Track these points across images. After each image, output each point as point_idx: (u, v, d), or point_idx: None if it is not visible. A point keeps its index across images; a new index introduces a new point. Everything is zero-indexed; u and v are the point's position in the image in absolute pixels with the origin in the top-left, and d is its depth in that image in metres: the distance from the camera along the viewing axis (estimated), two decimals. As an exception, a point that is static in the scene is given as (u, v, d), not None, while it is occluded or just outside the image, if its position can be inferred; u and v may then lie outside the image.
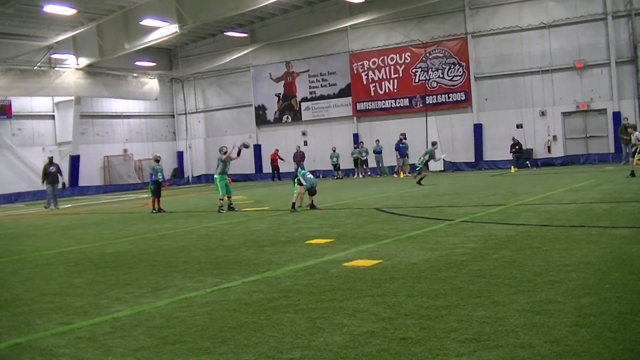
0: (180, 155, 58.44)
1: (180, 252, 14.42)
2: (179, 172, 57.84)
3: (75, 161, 48.57)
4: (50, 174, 35.19)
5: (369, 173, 45.86)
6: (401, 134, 44.29)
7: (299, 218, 19.97)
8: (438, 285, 9.10)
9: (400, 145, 43.56)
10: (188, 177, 57.87)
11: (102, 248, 16.26)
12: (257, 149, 53.77)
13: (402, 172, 43.19)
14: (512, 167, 40.14)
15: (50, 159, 37.07)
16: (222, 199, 24.92)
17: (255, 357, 6.44)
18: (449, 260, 10.89)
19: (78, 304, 9.58)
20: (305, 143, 50.82)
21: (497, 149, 43.00)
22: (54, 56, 46.97)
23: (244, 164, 53.80)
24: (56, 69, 46.64)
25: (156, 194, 26.36)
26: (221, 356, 6.55)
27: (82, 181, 49.24)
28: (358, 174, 46.58)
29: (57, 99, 49.00)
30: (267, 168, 52.61)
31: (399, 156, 43.71)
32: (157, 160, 27.21)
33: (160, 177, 26.82)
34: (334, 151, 47.13)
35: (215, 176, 25.61)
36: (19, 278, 12.50)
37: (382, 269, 10.52)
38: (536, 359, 5.89)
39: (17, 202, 43.87)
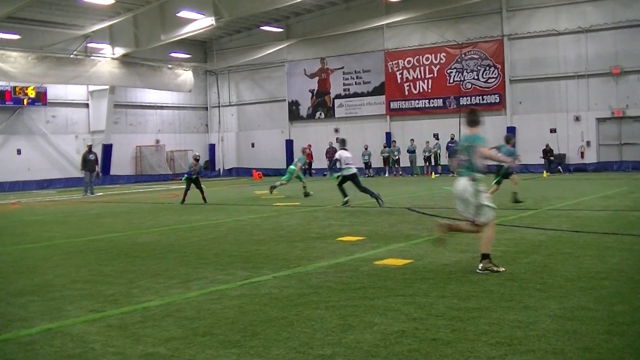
0: (212, 147, 58.57)
1: (210, 244, 14.46)
2: (209, 165, 57.95)
3: (107, 150, 48.80)
4: (89, 162, 35.51)
5: (400, 172, 45.76)
6: (452, 134, 44.05)
7: (330, 215, 19.97)
8: (469, 287, 9.08)
9: (450, 145, 43.39)
10: (219, 169, 58.02)
11: (132, 237, 16.35)
12: (289, 144, 53.80)
13: (433, 173, 43.11)
14: (544, 171, 39.91)
15: (90, 147, 37.44)
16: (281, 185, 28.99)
17: (285, 352, 6.46)
18: (480, 263, 10.85)
19: (109, 292, 9.65)
20: (338, 140, 50.70)
21: (529, 153, 42.62)
22: (89, 45, 47.21)
23: (276, 159, 53.95)
24: (91, 58, 46.85)
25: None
26: (251, 350, 6.58)
27: (114, 170, 49.48)
28: (387, 173, 46.49)
29: (91, 88, 49.24)
30: (298, 164, 52.57)
31: (448, 156, 43.50)
32: (197, 160, 27.29)
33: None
34: (366, 149, 47.05)
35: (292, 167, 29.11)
36: (49, 264, 12.60)
37: (413, 269, 10.51)
38: (568, 366, 5.88)
39: (48, 189, 44.16)
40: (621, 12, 40.43)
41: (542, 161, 41.57)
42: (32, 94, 44.53)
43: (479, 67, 44.97)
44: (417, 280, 9.61)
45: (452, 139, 43.56)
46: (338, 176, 22.59)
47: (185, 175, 27.39)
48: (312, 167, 49.98)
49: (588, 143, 41.79)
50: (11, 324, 8.05)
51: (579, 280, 9.24)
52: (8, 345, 7.08)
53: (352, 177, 22.11)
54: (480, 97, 44.94)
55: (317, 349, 6.50)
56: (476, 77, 45.09)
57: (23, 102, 44.35)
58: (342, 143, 23.44)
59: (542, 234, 14.06)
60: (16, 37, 42.26)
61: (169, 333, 7.30)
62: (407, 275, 10.03)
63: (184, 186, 26.81)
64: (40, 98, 45.17)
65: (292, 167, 28.99)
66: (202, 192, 26.38)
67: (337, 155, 22.95)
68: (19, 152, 45.32)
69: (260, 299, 8.76)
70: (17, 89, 43.78)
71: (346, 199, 22.31)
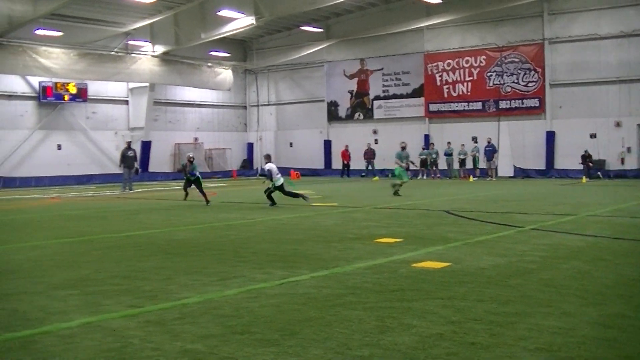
0: (250, 146, 58.72)
1: (247, 242, 14.51)
2: (247, 164, 58.13)
3: (146, 147, 49.11)
4: (127, 158, 35.80)
5: (438, 175, 45.62)
6: (488, 138, 43.84)
7: (367, 216, 19.97)
8: (507, 291, 9.03)
9: (487, 148, 43.21)
10: (257, 168, 58.14)
11: (169, 234, 16.45)
12: (328, 144, 53.85)
13: (470, 176, 42.96)
14: (583, 177, 39.59)
15: (129, 143, 37.83)
16: (400, 184, 28.03)
17: (323, 352, 6.46)
18: (518, 268, 10.80)
19: (147, 288, 9.71)
20: (376, 141, 50.72)
21: (568, 158, 42.33)
22: (130, 42, 47.56)
23: (313, 159, 54.03)
24: (132, 55, 47.21)
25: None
26: (289, 349, 6.58)
27: (152, 167, 49.77)
28: (424, 175, 46.34)
29: (131, 85, 49.57)
30: (336, 164, 52.66)
31: (486, 159, 43.33)
32: (191, 161, 27.18)
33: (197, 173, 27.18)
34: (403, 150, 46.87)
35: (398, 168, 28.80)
36: (88, 258, 12.71)
37: (451, 272, 10.47)
38: (608, 373, 5.83)
39: (88, 184, 44.50)
40: (665, 16, 40.09)
41: (581, 167, 41.22)
42: (73, 90, 44.92)
43: (519, 71, 44.69)
44: (455, 283, 9.58)
45: (489, 142, 43.33)
46: (272, 186, 24.47)
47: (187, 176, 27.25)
48: (350, 168, 50.03)
49: (629, 149, 41.31)
50: (51, 316, 8.13)
51: (619, 288, 9.17)
52: (48, 338, 7.14)
53: (280, 187, 24.53)
54: (520, 101, 44.67)
55: (355, 350, 6.49)
56: (516, 81, 44.81)
57: (64, 98, 44.76)
58: (268, 158, 25.58)
59: (582, 240, 13.96)
60: (59, 34, 42.60)
61: (207, 330, 7.33)
62: (444, 278, 10.00)
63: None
64: (81, 94, 45.56)
65: (397, 168, 28.72)
66: (204, 195, 26.09)
67: (267, 168, 24.50)
68: (59, 147, 45.72)
69: (298, 299, 8.78)
70: (58, 85, 44.19)
71: (272, 204, 24.18)
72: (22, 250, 13.99)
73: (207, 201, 25.55)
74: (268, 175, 24.29)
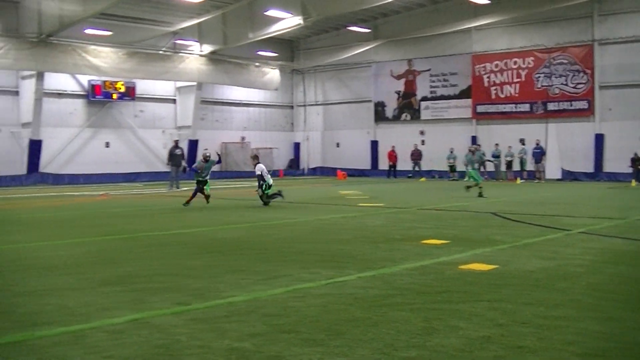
0: (297, 146, 58.90)
1: (293, 242, 14.54)
2: (294, 163, 58.30)
3: (193, 145, 49.42)
4: (175, 157, 36.08)
5: (485, 176, 45.35)
6: (537, 140, 43.56)
7: (414, 217, 19.93)
8: (555, 295, 8.95)
9: (535, 150, 42.92)
10: (303, 168, 58.29)
11: (215, 233, 16.54)
12: (374, 145, 53.82)
13: (518, 178, 42.68)
14: (633, 180, 39.13)
15: (176, 142, 38.10)
16: (480, 186, 27.82)
17: (370, 352, 6.45)
18: (566, 271, 10.70)
19: (194, 286, 9.76)
20: (423, 142, 50.60)
21: (618, 161, 41.80)
22: (178, 42, 47.86)
23: (360, 160, 54.02)
24: (180, 54, 47.53)
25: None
26: (336, 349, 6.57)
27: (199, 166, 50.13)
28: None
29: (179, 84, 49.98)
30: (382, 164, 52.62)
31: (534, 161, 43.04)
32: (207, 159, 25.43)
33: (205, 175, 25.22)
34: (451, 152, 46.81)
35: (471, 170, 28.63)
36: (134, 256, 12.82)
37: (498, 274, 10.41)
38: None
39: (135, 182, 44.89)
40: None
41: (630, 170, 40.74)
42: (121, 88, 45.37)
43: (567, 72, 44.29)
44: (502, 286, 9.51)
45: (537, 144, 42.99)
46: (266, 185, 24.72)
47: (195, 173, 25.25)
48: (396, 169, 49.96)
49: (681, 152, 40.85)
50: (97, 312, 8.21)
51: (669, 293, 9.07)
52: (97, 333, 7.21)
53: (270, 187, 24.82)
54: (569, 103, 44.27)
55: (401, 351, 6.47)
56: (564, 83, 44.42)
57: (112, 96, 45.22)
58: (256, 158, 25.84)
59: (631, 244, 13.81)
60: (108, 33, 43.07)
61: (254, 329, 7.35)
62: (492, 280, 9.94)
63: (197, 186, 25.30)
64: (129, 93, 46.02)
65: (471, 170, 28.71)
66: (206, 197, 25.05)
67: (258, 172, 24.57)
68: (107, 145, 46.21)
69: (345, 299, 8.77)
70: (107, 83, 44.67)
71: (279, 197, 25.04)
72: (69, 247, 14.15)
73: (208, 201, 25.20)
74: (260, 177, 24.45)
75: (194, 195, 24.72)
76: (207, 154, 25.50)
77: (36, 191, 35.14)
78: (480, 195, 27.31)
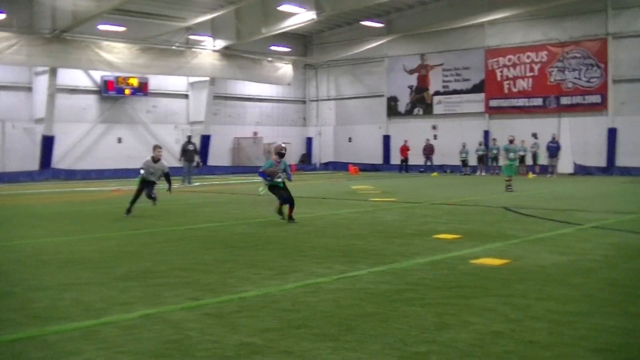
0: (309, 141, 58.91)
1: (307, 237, 14.55)
2: (307, 158, 58.32)
3: (206, 141, 49.51)
4: (188, 152, 36.17)
5: (497, 171, 45.18)
6: (553, 134, 43.52)
7: (426, 212, 19.90)
8: (568, 290, 8.93)
9: (551, 145, 42.87)
10: (315, 163, 58.28)
11: (230, 228, 16.57)
12: (387, 140, 53.77)
13: (530, 173, 42.57)
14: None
15: (189, 137, 38.18)
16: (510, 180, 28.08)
17: (381, 347, 6.45)
18: (580, 266, 10.68)
19: (207, 281, 9.80)
20: (435, 137, 50.54)
21: (632, 156, 41.65)
22: (191, 37, 47.83)
23: (372, 154, 54.00)
24: (193, 49, 47.53)
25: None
26: (347, 344, 6.58)
27: (212, 161, 50.13)
28: (482, 171, 46.06)
29: (191, 79, 50.06)
30: (395, 159, 52.56)
31: (549, 155, 42.99)
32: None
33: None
34: (463, 147, 46.74)
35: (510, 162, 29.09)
36: (149, 251, 12.84)
37: (510, 269, 10.40)
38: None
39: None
40: None
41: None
42: (134, 84, 45.47)
43: (581, 66, 44.10)
44: (514, 281, 9.50)
45: (553, 138, 42.91)
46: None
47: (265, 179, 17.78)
48: (409, 163, 49.94)
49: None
50: (113, 307, 8.26)
51: (684, 288, 9.03)
52: (109, 328, 7.24)
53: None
54: (582, 97, 44.09)
55: (413, 346, 6.48)
56: (578, 77, 44.24)
57: (125, 92, 45.36)
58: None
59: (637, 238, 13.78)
60: (121, 29, 43.10)
61: (265, 324, 7.36)
62: (504, 275, 9.93)
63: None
64: (142, 88, 46.13)
65: (509, 161, 29.12)
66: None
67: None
68: (120, 140, 46.30)
69: (357, 294, 8.78)
70: (120, 79, 44.82)
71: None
72: (87, 242, 14.19)
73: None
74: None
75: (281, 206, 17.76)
76: (283, 147, 18.22)
77: (49, 187, 35.17)
78: (508, 188, 27.43)
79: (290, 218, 17.33)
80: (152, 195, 20.66)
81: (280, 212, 17.66)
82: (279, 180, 17.66)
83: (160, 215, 19.66)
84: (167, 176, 20.94)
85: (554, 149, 42.67)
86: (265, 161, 19.16)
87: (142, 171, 20.62)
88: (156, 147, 21.25)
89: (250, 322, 7.46)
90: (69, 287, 9.44)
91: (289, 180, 18.16)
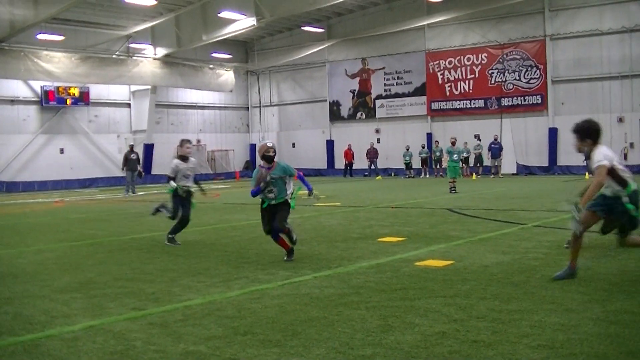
0: (252, 147, 58.71)
1: (251, 243, 14.52)
2: (250, 165, 58.14)
3: (149, 149, 49.19)
4: (130, 161, 35.91)
5: (440, 173, 45.47)
6: (495, 135, 44.00)
7: (370, 215, 19.97)
8: (510, 289, 9.03)
9: (493, 146, 43.34)
10: (259, 170, 58.11)
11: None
12: (330, 144, 53.87)
13: (474, 174, 42.95)
14: (587, 173, 39.51)
15: (131, 147, 37.95)
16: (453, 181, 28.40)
17: (326, 352, 6.46)
18: (522, 265, 10.80)
19: (150, 290, 9.75)
20: (379, 140, 50.76)
21: (572, 154, 42.15)
22: (132, 45, 47.52)
23: (316, 159, 54.07)
24: (134, 58, 47.22)
25: None
26: (292, 349, 6.60)
27: (155, 169, 49.73)
28: (426, 174, 46.39)
29: (133, 88, 49.74)
30: (339, 164, 52.66)
31: (491, 157, 43.46)
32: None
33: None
34: (407, 150, 47.01)
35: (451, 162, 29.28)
36: (92, 261, 12.74)
37: (454, 270, 10.48)
38: (611, 370, 5.83)
39: (91, 187, 44.63)
40: (667, 11, 40.04)
41: (584, 163, 41.18)
42: (75, 93, 45.04)
43: (520, 68, 44.66)
44: (458, 281, 9.58)
45: (495, 139, 43.39)
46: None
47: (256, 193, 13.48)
48: (353, 167, 50.09)
49: (632, 144, 41.29)
50: (55, 320, 8.18)
51: (623, 284, 9.14)
52: (52, 341, 7.17)
53: None
54: (522, 98, 44.66)
55: (358, 350, 6.50)
56: (518, 78, 44.79)
57: (66, 102, 44.90)
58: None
59: (585, 237, 13.91)
60: (60, 37, 42.67)
61: (209, 332, 7.34)
62: (447, 276, 10.00)
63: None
64: (83, 98, 45.72)
65: (451, 162, 29.33)
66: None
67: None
68: (62, 151, 45.84)
69: (301, 299, 8.79)
70: (60, 89, 44.36)
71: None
72: (26, 254, 14.02)
73: None
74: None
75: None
76: (269, 148, 12.53)
77: (-10, 199, 34.75)
78: (452, 190, 27.64)
79: (289, 254, 12.24)
80: (165, 209, 15.87)
81: (289, 252, 12.31)
82: (271, 196, 12.22)
83: (102, 226, 19.49)
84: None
85: (496, 150, 43.18)
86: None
87: (172, 182, 15.21)
88: (184, 142, 16.15)
89: (195, 331, 7.44)
90: (9, 301, 9.31)
91: (309, 190, 13.02)
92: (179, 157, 15.70)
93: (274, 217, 12.07)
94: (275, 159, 12.45)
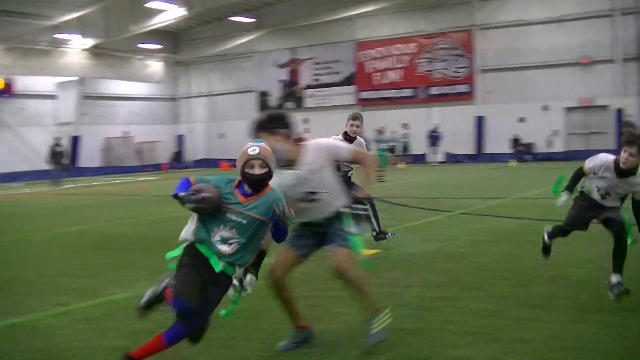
0: (180, 138, 58.35)
1: (178, 236, 14.37)
2: (178, 156, 57.80)
3: (75, 142, 48.54)
4: (56, 154, 35.41)
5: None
6: (436, 124, 44.41)
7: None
8: (437, 276, 9.13)
9: (433, 134, 43.71)
10: (188, 161, 57.78)
11: (101, 230, 16.27)
12: (259, 135, 53.70)
13: (402, 162, 43.22)
14: (514, 160, 40.09)
15: (57, 139, 37.28)
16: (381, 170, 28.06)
17: (253, 343, 6.52)
18: (448, 252, 10.91)
19: (75, 286, 9.62)
20: (307, 130, 50.75)
21: (498, 142, 42.90)
22: (58, 36, 46.75)
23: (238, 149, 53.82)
24: (60, 49, 46.51)
25: None
26: (217, 342, 6.62)
27: (82, 162, 49.11)
28: (353, 163, 46.62)
29: (59, 79, 48.90)
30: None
31: (431, 144, 43.87)
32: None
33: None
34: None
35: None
36: (16, 258, 12.50)
37: (380, 259, 10.50)
38: (532, 354, 5.91)
39: (16, 182, 43.85)
40: (591, 2, 40.57)
41: (510, 150, 41.85)
42: (0, 85, 44.27)
43: (449, 57, 45.06)
44: (384, 270, 9.59)
45: (435, 128, 43.93)
46: None
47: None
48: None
49: (556, 132, 41.99)
50: (-26, 320, 8.00)
51: (547, 269, 9.25)
52: (-30, 342, 7.02)
53: None
54: (450, 87, 45.08)
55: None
56: (446, 67, 45.19)
57: (-10, 93, 44.14)
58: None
59: (511, 223, 14.14)
60: (-17, 28, 41.91)
61: (135, 326, 7.22)
62: (374, 265, 10.02)
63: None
64: (8, 89, 44.88)
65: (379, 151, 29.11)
66: None
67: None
68: (-16, 144, 45.04)
69: (226, 291, 8.74)
70: (-17, 80, 43.57)
71: None
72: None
73: None
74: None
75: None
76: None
77: None
78: (379, 179, 27.75)
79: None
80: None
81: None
82: (224, 248, 6.22)
83: (26, 221, 19.19)
84: None
85: (434, 138, 43.57)
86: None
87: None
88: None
89: (120, 325, 7.38)
90: None
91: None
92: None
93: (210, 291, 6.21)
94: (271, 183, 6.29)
